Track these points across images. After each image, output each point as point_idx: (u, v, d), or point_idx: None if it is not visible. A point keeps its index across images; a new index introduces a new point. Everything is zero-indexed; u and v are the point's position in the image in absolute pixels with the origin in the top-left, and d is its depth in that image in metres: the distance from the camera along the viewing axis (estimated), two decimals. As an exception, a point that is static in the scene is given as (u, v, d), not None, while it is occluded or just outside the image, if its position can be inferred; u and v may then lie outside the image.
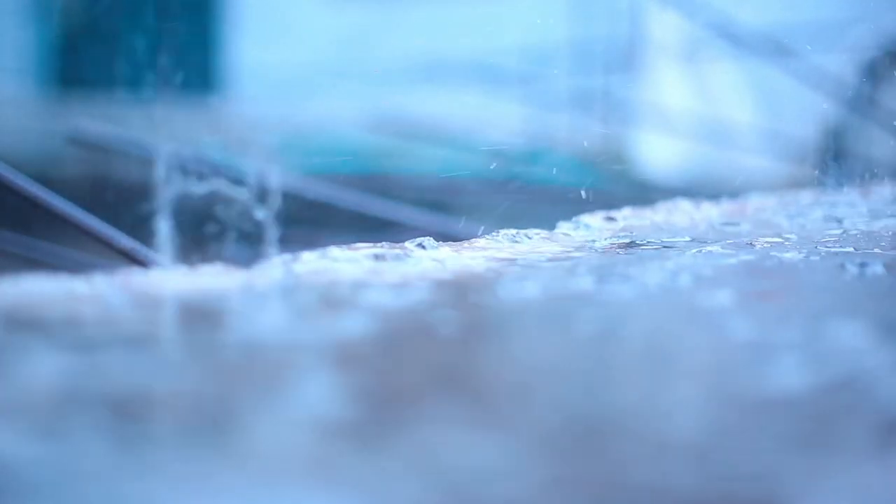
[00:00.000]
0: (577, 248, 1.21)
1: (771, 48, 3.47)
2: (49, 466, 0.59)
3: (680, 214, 1.48)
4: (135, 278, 1.00)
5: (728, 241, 1.25)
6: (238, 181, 1.92)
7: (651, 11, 4.96)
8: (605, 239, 1.27)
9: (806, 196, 1.72)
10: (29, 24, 6.50)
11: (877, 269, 1.09)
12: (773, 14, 4.14)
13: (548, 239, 1.27)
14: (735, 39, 3.55)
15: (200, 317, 0.91)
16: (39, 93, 6.34)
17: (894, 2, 4.48)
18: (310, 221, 1.96)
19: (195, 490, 0.57)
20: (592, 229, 1.34)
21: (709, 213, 1.50)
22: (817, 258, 1.16)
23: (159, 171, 1.92)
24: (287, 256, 1.09)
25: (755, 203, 1.61)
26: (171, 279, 1.01)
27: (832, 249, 1.21)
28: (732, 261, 1.14)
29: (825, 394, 0.72)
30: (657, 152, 4.54)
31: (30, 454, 0.60)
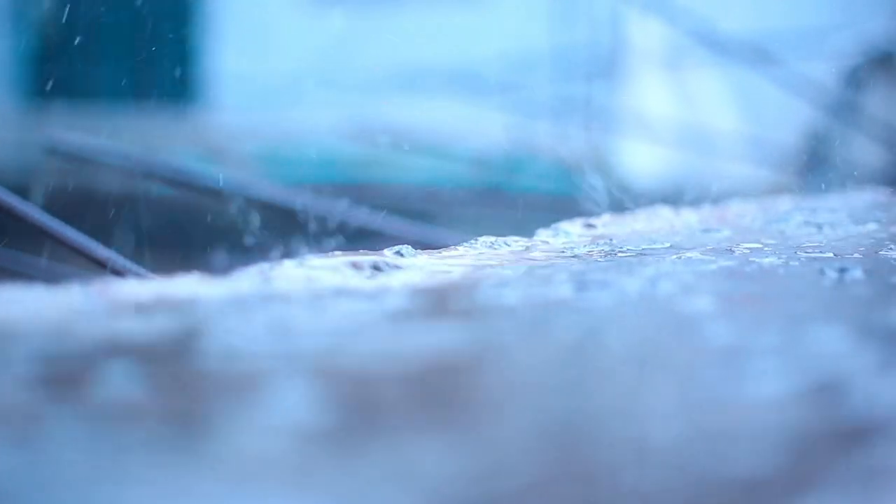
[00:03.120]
0: (557, 256, 1.21)
1: (753, 55, 3.48)
2: (26, 474, 0.59)
3: (660, 221, 1.48)
4: (111, 288, 0.99)
5: (708, 248, 1.25)
6: (217, 191, 1.91)
7: (633, 18, 4.97)
8: (585, 246, 1.27)
9: (786, 202, 1.72)
10: (6, 34, 6.50)
11: (856, 273, 1.09)
12: (755, 21, 4.16)
13: (527, 246, 1.27)
14: (717, 46, 3.56)
15: (174, 326, 0.90)
16: (17, 103, 6.34)
17: (876, 9, 4.51)
18: (289, 231, 1.96)
19: (170, 498, 0.57)
20: (572, 236, 1.34)
21: (689, 219, 1.50)
22: (797, 263, 1.16)
23: (137, 182, 1.92)
24: (265, 265, 1.08)
25: (735, 209, 1.61)
26: (147, 288, 1.00)
27: (812, 255, 1.20)
28: (712, 267, 1.14)
29: (803, 398, 0.72)
30: (639, 159, 4.55)
31: (8, 462, 0.60)
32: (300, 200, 1.90)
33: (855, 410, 0.69)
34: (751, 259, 1.18)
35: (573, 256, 1.21)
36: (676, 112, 4.48)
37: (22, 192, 1.56)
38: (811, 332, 0.87)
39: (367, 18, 6.24)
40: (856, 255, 1.21)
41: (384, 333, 0.88)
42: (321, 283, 1.03)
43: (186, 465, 0.61)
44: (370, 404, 0.71)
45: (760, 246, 1.26)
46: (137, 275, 1.35)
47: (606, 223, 1.42)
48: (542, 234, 1.33)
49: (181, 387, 0.74)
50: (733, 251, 1.23)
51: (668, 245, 1.27)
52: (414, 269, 1.11)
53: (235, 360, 0.80)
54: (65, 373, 0.76)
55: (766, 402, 0.71)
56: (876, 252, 1.23)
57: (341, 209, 1.87)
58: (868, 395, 0.72)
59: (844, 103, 3.76)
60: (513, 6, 5.89)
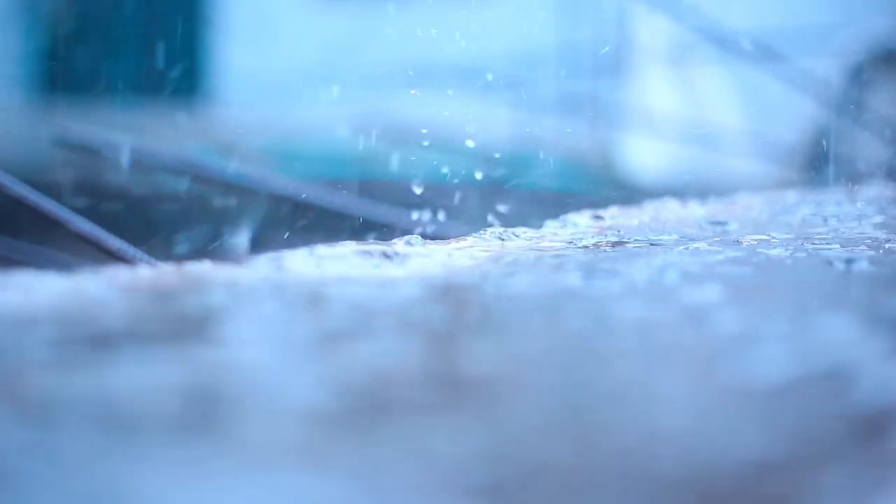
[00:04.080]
0: (565, 246, 1.21)
1: (758, 52, 3.48)
2: (40, 455, 0.59)
3: (667, 213, 1.48)
4: (122, 276, 1.00)
5: (715, 239, 1.25)
6: (225, 184, 1.91)
7: (639, 15, 4.97)
8: (593, 237, 1.27)
9: (793, 196, 1.73)
10: (17, 29, 6.50)
11: (863, 265, 1.10)
12: (760, 18, 4.15)
13: (535, 237, 1.27)
14: (722, 43, 3.56)
15: (185, 312, 0.91)
16: (28, 97, 6.34)
17: (880, 6, 4.50)
18: (298, 224, 1.96)
19: (185, 479, 0.57)
20: (580, 227, 1.34)
21: (696, 212, 1.51)
22: (804, 254, 1.16)
23: (147, 174, 1.92)
24: (274, 254, 1.09)
25: (742, 202, 1.62)
26: (158, 276, 1.01)
27: (819, 246, 1.21)
28: (720, 257, 1.14)
29: (810, 385, 0.72)
30: (645, 156, 4.54)
31: (21, 443, 0.61)
32: (309, 193, 1.90)
33: (862, 397, 0.70)
34: (758, 250, 1.18)
35: (582, 247, 1.21)
36: (682, 108, 4.48)
37: (33, 183, 1.57)
38: (818, 322, 0.87)
39: (375, 15, 6.24)
40: (862, 246, 1.21)
41: (394, 321, 0.89)
42: (331, 272, 1.04)
43: (202, 449, 0.61)
44: (382, 389, 0.72)
45: (767, 238, 1.27)
46: (148, 264, 1.36)
47: (614, 215, 1.42)
48: (551, 226, 1.34)
49: (194, 372, 0.74)
50: (740, 242, 1.23)
51: (675, 236, 1.27)
52: (424, 258, 1.11)
53: (246, 345, 0.81)
54: (78, 358, 0.77)
55: (772, 388, 0.71)
56: (881, 244, 1.24)
57: (351, 201, 1.87)
58: (874, 382, 0.73)
59: (848, 100, 3.76)
60: (519, 3, 5.89)
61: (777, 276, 1.09)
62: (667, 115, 4.18)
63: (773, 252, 1.17)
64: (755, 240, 1.25)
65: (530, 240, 1.25)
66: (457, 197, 1.86)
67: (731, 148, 3.81)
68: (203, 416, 0.66)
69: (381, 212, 1.89)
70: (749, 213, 1.52)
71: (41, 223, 1.49)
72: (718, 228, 1.36)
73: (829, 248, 1.20)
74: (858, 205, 1.61)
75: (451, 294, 1.00)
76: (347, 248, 1.11)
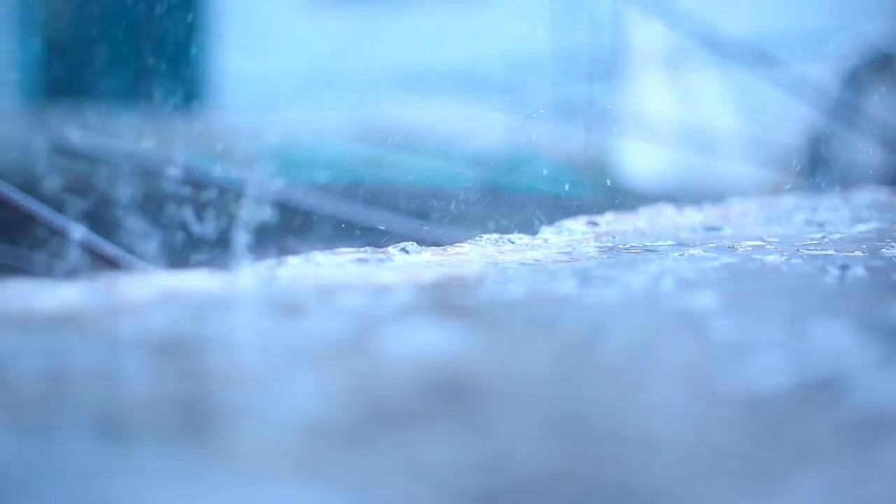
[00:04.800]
0: (560, 252, 1.21)
1: (753, 57, 3.48)
2: (36, 462, 0.59)
3: (662, 219, 1.48)
4: (119, 283, 1.00)
5: (711, 245, 1.25)
6: (223, 189, 1.92)
7: (634, 20, 4.97)
8: (588, 243, 1.27)
9: (788, 201, 1.73)
10: (14, 36, 6.50)
11: (858, 271, 1.10)
12: (755, 23, 4.15)
13: (531, 244, 1.27)
14: (718, 48, 3.56)
15: (182, 320, 0.91)
16: (25, 103, 6.34)
17: (875, 11, 4.50)
18: (295, 229, 1.97)
19: (180, 488, 0.57)
20: (576, 234, 1.34)
21: (692, 217, 1.51)
22: (799, 261, 1.16)
23: (144, 180, 1.92)
24: (271, 261, 1.09)
25: (738, 208, 1.62)
26: (155, 284, 1.01)
27: (814, 252, 1.21)
28: (715, 263, 1.14)
29: (804, 392, 0.72)
30: (641, 160, 4.55)
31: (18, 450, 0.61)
32: (306, 199, 1.91)
33: (856, 405, 0.70)
34: (753, 256, 1.19)
35: (577, 253, 1.21)
36: (677, 113, 4.48)
37: (30, 190, 1.57)
38: (813, 329, 0.88)
39: (371, 20, 6.24)
40: (857, 252, 1.21)
41: (389, 328, 0.89)
42: (327, 279, 1.04)
43: (194, 458, 0.61)
44: (377, 398, 0.72)
45: (762, 243, 1.27)
46: (145, 271, 1.36)
47: (609, 221, 1.43)
48: (546, 232, 1.34)
49: (188, 380, 0.74)
50: (736, 248, 1.23)
51: (671, 242, 1.27)
52: (419, 265, 1.11)
53: (241, 353, 0.81)
54: (74, 366, 0.77)
55: (768, 396, 0.71)
56: (877, 250, 1.24)
57: (347, 207, 1.87)
58: (869, 389, 0.73)
59: (844, 104, 3.77)
60: (515, 8, 5.89)
61: (772, 282, 1.09)
62: (662, 119, 4.18)
63: (769, 258, 1.17)
64: (750, 245, 1.25)
65: (526, 246, 1.25)
66: (452, 202, 1.87)
67: (727, 152, 3.81)
68: (196, 425, 0.66)
69: (378, 217, 1.90)
70: (744, 218, 1.52)
71: (38, 230, 1.49)
72: (714, 234, 1.36)
73: (825, 254, 1.20)
74: (854, 209, 1.62)
75: (446, 301, 1.00)
76: (343, 255, 1.11)
